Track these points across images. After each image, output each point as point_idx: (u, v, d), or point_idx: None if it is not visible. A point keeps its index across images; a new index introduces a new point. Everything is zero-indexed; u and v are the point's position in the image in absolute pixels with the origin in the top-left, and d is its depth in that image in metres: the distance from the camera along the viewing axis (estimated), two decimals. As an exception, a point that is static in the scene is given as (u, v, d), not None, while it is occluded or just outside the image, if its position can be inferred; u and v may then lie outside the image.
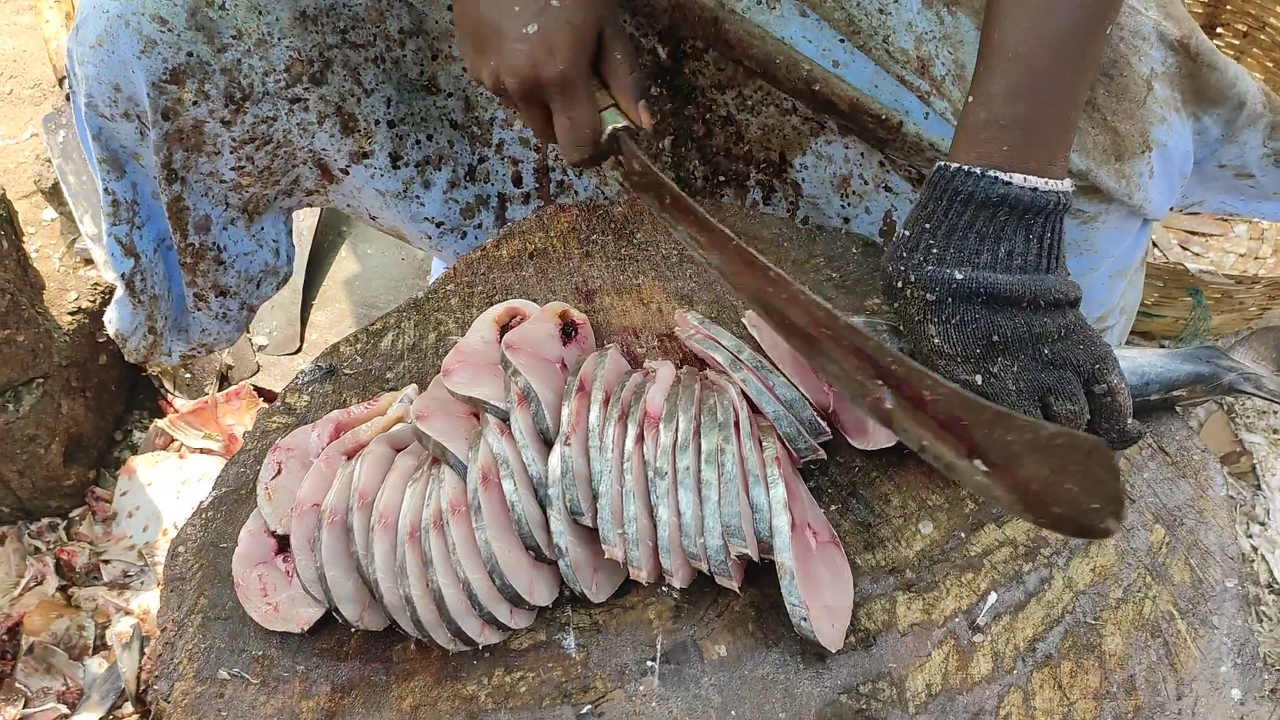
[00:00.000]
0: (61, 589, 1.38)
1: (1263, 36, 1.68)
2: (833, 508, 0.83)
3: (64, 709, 1.28)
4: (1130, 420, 0.79)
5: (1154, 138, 0.94)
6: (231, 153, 1.03)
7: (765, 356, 0.82)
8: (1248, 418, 1.48)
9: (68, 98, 1.73)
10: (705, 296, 0.94)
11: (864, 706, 0.74)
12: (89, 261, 1.60)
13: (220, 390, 1.53)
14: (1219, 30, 1.75)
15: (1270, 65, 1.69)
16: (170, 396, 1.52)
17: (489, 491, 0.77)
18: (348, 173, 1.09)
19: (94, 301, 1.44)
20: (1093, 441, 0.62)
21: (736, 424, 0.78)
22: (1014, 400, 0.76)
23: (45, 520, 1.44)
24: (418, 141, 1.10)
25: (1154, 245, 1.61)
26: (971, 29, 0.93)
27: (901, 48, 0.94)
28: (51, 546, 1.41)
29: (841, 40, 0.97)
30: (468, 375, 0.84)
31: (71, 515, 1.45)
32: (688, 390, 0.80)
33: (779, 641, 0.77)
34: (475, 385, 0.83)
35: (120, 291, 1.12)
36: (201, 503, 0.86)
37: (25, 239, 1.59)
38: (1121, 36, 0.94)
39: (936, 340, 0.78)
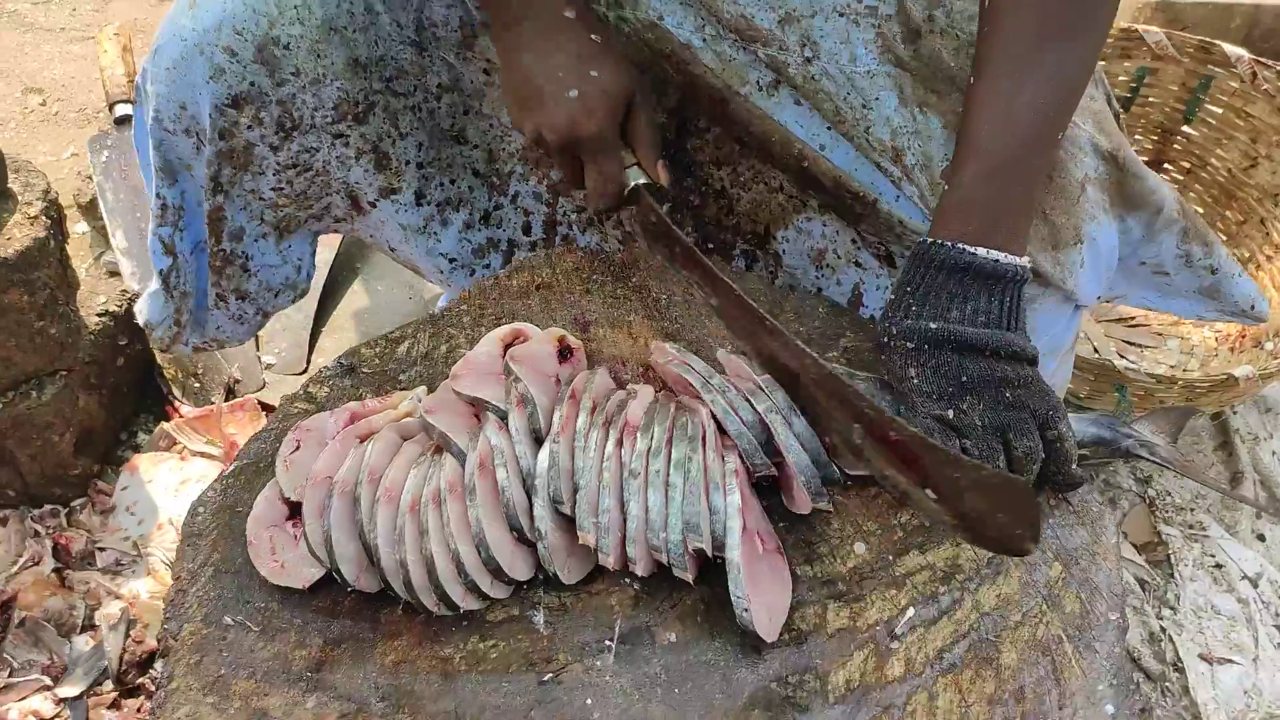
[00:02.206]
0: (56, 571, 1.46)
1: (1204, 174, 1.87)
2: (781, 524, 0.95)
3: (48, 681, 1.35)
4: (1075, 466, 0.93)
5: (1085, 232, 1.09)
6: (274, 175, 1.16)
7: (733, 385, 0.95)
8: (1167, 513, 1.61)
9: (117, 123, 1.88)
10: (687, 336, 1.07)
11: (791, 694, 0.85)
12: (113, 274, 1.72)
13: (226, 401, 1.64)
14: (1165, 165, 1.94)
15: (1209, 200, 1.88)
16: (178, 404, 1.63)
17: (484, 477, 0.88)
18: (375, 206, 1.22)
19: (120, 307, 1.55)
20: (1021, 483, 0.79)
21: (704, 439, 0.90)
22: (979, 434, 0.90)
23: (47, 507, 1.52)
24: (441, 184, 1.24)
25: (1095, 350, 1.77)
26: (939, 128, 1.08)
27: (879, 138, 1.10)
28: (51, 531, 1.50)
29: (828, 128, 1.12)
30: (473, 380, 0.96)
31: (73, 504, 1.54)
32: (663, 408, 0.92)
33: (722, 634, 0.87)
34: (479, 388, 0.95)
35: (155, 285, 1.25)
36: (224, 471, 0.97)
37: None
38: (1061, 144, 1.10)
39: (916, 380, 0.92)
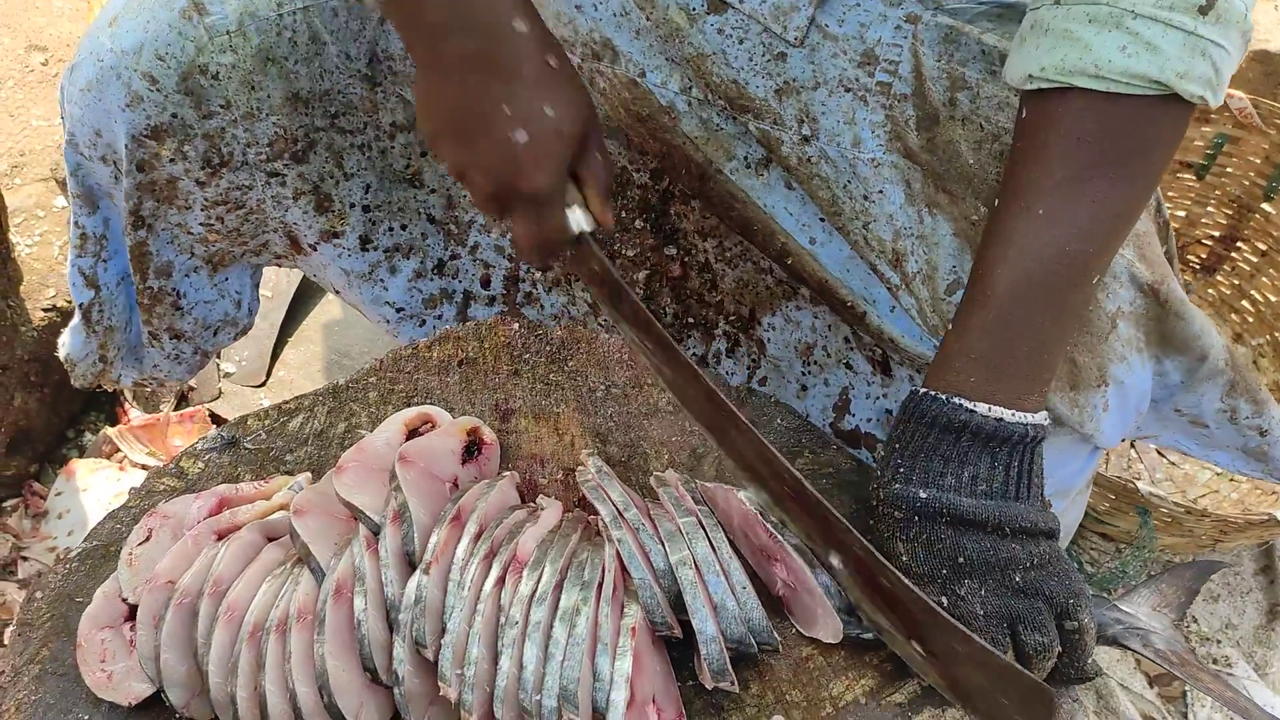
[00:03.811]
0: (-25, 577, 1.38)
1: (1280, 258, 1.67)
2: (691, 683, 0.81)
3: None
4: (1091, 660, 0.79)
5: (1111, 374, 0.92)
6: (202, 210, 1.04)
7: (650, 520, 0.80)
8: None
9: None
10: (621, 439, 0.93)
11: None
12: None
13: (176, 409, 1.54)
14: (1239, 244, 1.73)
15: (1281, 292, 1.67)
16: (127, 406, 1.53)
17: (338, 605, 0.76)
18: (316, 249, 1.10)
19: (70, 302, 1.45)
20: (1038, 685, 0.71)
21: (600, 586, 0.76)
22: (981, 625, 0.75)
23: (-24, 506, 1.45)
24: (390, 229, 1.11)
25: (1132, 446, 1.58)
26: (949, 234, 0.92)
27: (879, 237, 0.94)
28: (-25, 533, 1.42)
29: (822, 219, 0.96)
30: (356, 478, 0.83)
31: (4, 505, 1.46)
32: (563, 539, 0.79)
33: (602, 815, 0.74)
34: (359, 491, 0.82)
35: (76, 319, 1.14)
36: (69, 551, 0.86)
37: (32, 223, 1.62)
38: (1095, 289, 0.93)
39: (904, 559, 0.78)
